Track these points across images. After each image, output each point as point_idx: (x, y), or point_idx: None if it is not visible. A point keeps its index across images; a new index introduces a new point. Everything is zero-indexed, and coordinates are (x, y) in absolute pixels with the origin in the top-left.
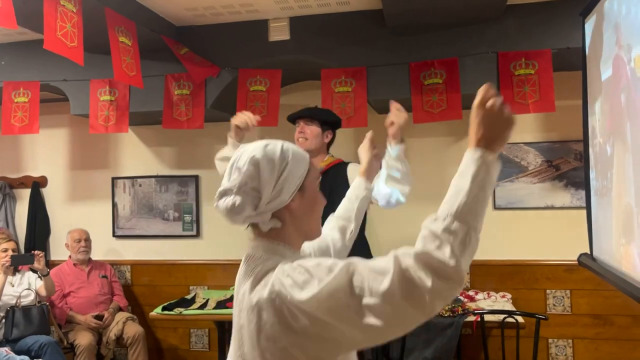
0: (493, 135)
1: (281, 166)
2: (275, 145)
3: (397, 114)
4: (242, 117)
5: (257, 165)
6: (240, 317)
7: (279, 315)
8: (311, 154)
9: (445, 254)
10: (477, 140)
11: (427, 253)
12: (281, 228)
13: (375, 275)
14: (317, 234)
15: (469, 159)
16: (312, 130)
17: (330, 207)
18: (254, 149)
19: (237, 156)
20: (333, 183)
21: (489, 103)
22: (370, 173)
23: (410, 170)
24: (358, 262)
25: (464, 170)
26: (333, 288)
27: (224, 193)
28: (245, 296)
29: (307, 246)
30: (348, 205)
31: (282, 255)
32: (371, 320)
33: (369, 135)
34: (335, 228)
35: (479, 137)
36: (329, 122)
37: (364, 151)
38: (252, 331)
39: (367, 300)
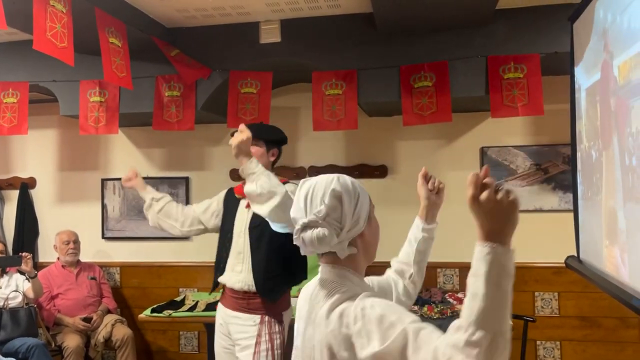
0: (498, 226)
1: (355, 197)
2: (345, 178)
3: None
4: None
5: (340, 198)
6: (315, 335)
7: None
8: None
9: None
10: (484, 235)
11: None
12: (355, 254)
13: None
14: (374, 257)
15: (479, 256)
16: (256, 150)
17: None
18: (329, 182)
19: (308, 190)
20: None
21: (483, 196)
22: (430, 210)
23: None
24: (412, 333)
25: (476, 270)
26: (389, 350)
27: (308, 225)
28: (322, 319)
29: (368, 280)
30: (407, 248)
31: (351, 281)
32: None
33: (422, 171)
34: (395, 271)
35: (484, 231)
36: (274, 140)
37: (419, 188)
38: (325, 354)
39: None
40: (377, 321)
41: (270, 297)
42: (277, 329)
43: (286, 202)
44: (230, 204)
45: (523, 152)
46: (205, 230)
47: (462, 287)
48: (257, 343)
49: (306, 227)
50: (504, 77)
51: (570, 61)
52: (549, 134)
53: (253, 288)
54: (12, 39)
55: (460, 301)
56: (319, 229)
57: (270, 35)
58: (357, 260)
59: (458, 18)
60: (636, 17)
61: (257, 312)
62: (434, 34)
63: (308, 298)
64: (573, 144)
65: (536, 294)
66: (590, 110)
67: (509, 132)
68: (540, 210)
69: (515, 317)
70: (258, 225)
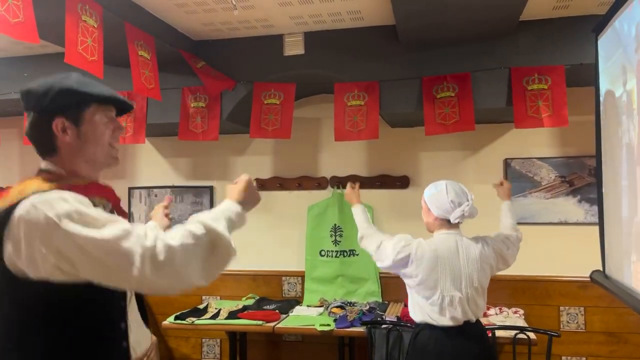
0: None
1: None
2: None
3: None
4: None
5: None
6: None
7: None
8: None
9: None
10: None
11: None
12: None
13: None
14: None
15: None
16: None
17: None
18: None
19: (457, 191)
20: None
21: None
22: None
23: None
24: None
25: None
26: None
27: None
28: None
29: None
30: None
31: None
32: None
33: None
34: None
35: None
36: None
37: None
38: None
39: None
40: None
41: None
42: None
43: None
44: None
45: (547, 163)
46: None
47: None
48: None
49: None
50: (527, 88)
51: (595, 72)
52: (575, 145)
53: None
54: (44, 51)
55: (484, 314)
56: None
57: (294, 47)
58: None
59: (481, 29)
60: None
61: None
62: (457, 46)
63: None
64: (598, 155)
65: (561, 308)
66: (616, 123)
67: (533, 143)
68: (566, 223)
69: (539, 331)
70: None
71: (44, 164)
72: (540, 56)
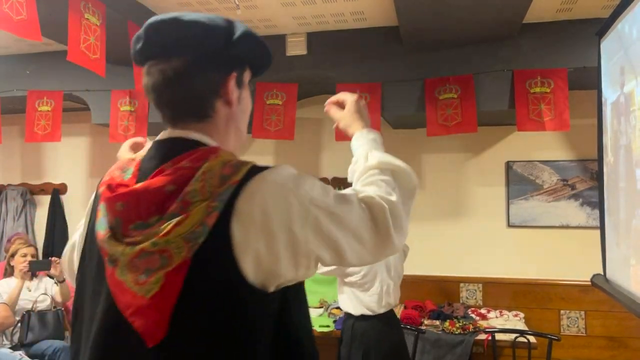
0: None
1: None
2: None
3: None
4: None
5: None
6: None
7: None
8: None
9: None
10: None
11: None
12: None
13: None
14: None
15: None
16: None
17: None
18: None
19: None
20: None
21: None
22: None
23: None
24: None
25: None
26: None
27: None
28: None
29: None
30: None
31: None
32: None
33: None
34: None
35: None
36: None
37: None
38: None
39: None
40: None
41: None
42: None
43: None
44: None
45: (549, 166)
46: None
47: (486, 303)
48: None
49: None
50: (530, 91)
51: (597, 76)
52: (577, 149)
53: None
54: (47, 49)
55: (484, 317)
56: None
57: (296, 47)
58: None
59: (484, 32)
60: None
61: None
62: (460, 48)
63: None
64: (600, 159)
65: (562, 312)
66: (615, 124)
67: (535, 146)
68: (567, 227)
69: (539, 335)
70: None
71: (193, 134)
72: (543, 59)
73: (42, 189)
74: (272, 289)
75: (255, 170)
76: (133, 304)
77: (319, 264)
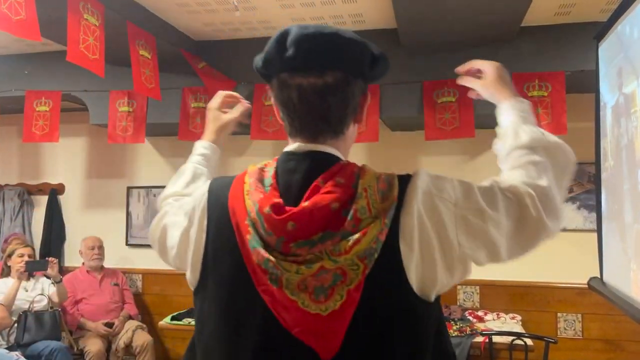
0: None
1: None
2: None
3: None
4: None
5: None
6: None
7: None
8: None
9: None
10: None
11: None
12: None
13: None
14: None
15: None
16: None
17: None
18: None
19: None
20: None
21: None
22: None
23: None
24: None
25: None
26: None
27: None
28: None
29: None
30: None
31: None
32: None
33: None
34: None
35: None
36: None
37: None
38: None
39: None
40: None
41: None
42: None
43: None
44: None
45: None
46: None
47: (483, 305)
48: None
49: None
50: (527, 94)
51: (595, 79)
52: (574, 152)
53: None
54: (46, 49)
55: (481, 319)
56: None
57: None
58: None
59: (482, 35)
60: None
61: None
62: (458, 50)
63: None
64: (597, 162)
65: (559, 314)
66: (616, 128)
67: None
68: (564, 230)
69: (536, 337)
70: None
71: (330, 148)
72: (541, 62)
73: (39, 189)
74: (433, 297)
75: (404, 181)
76: (304, 321)
77: None
